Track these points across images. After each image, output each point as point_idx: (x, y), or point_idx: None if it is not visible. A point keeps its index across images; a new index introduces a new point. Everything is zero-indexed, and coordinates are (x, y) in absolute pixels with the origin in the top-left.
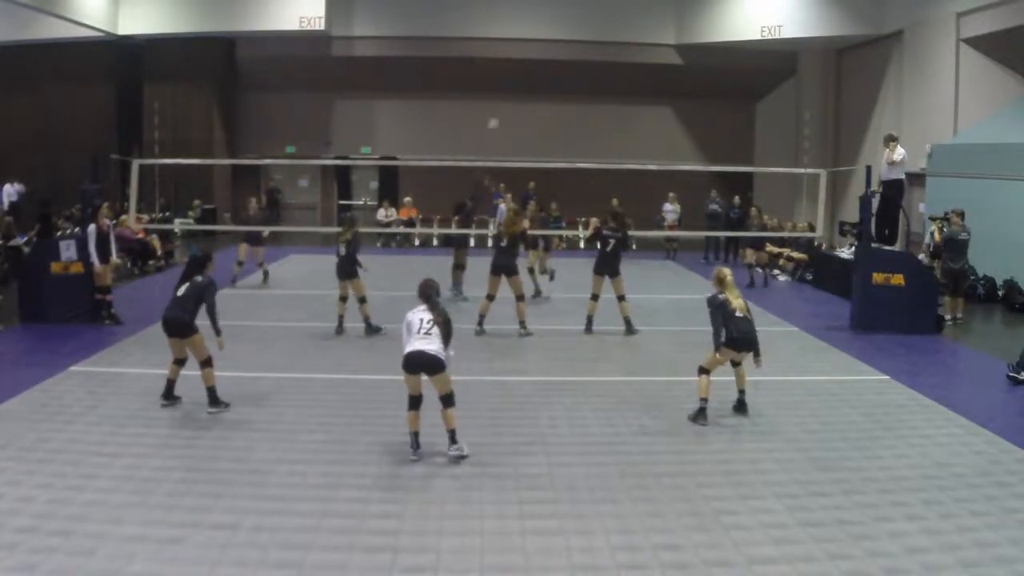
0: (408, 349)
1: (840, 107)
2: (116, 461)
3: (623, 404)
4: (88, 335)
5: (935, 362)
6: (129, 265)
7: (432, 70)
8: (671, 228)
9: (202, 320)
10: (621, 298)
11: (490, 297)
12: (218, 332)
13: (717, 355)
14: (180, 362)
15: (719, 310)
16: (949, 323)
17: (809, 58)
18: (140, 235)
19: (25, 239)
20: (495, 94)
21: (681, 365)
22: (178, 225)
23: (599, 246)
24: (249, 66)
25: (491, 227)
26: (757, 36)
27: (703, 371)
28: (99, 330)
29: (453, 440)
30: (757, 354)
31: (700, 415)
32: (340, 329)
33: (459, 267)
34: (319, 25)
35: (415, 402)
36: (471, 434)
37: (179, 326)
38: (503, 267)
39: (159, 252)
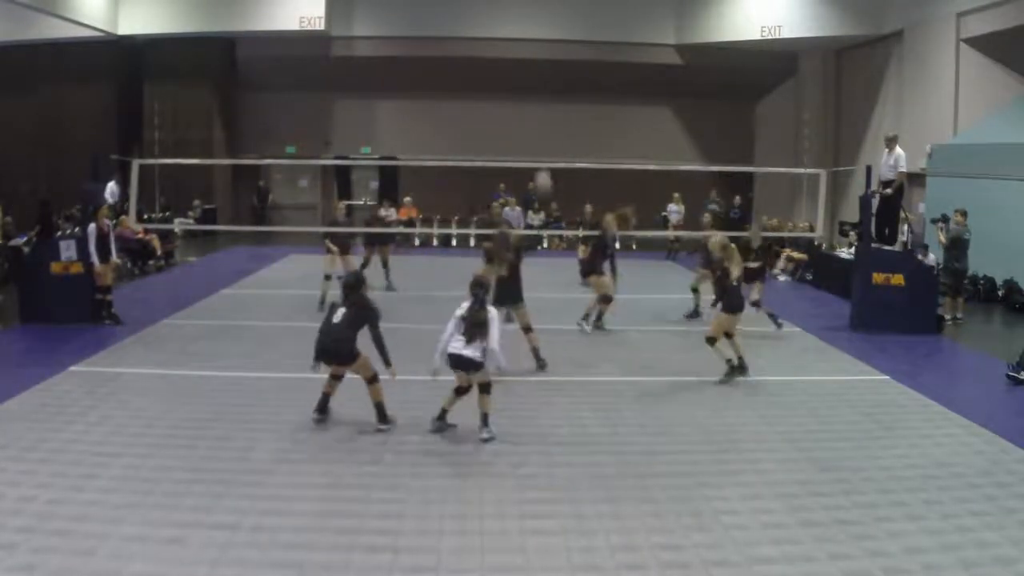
0: (450, 349)
1: (840, 107)
2: (116, 461)
3: (623, 404)
4: (88, 335)
5: (935, 362)
6: (129, 265)
7: (432, 70)
8: (676, 228)
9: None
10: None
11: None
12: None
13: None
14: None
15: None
16: (949, 323)
17: (809, 58)
18: (140, 235)
19: (25, 239)
20: (495, 94)
21: (681, 365)
22: (178, 225)
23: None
24: (249, 66)
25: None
26: (757, 36)
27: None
28: (99, 330)
29: (485, 423)
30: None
31: (733, 372)
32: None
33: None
34: (319, 25)
35: (461, 391)
36: (471, 434)
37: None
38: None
39: (159, 252)
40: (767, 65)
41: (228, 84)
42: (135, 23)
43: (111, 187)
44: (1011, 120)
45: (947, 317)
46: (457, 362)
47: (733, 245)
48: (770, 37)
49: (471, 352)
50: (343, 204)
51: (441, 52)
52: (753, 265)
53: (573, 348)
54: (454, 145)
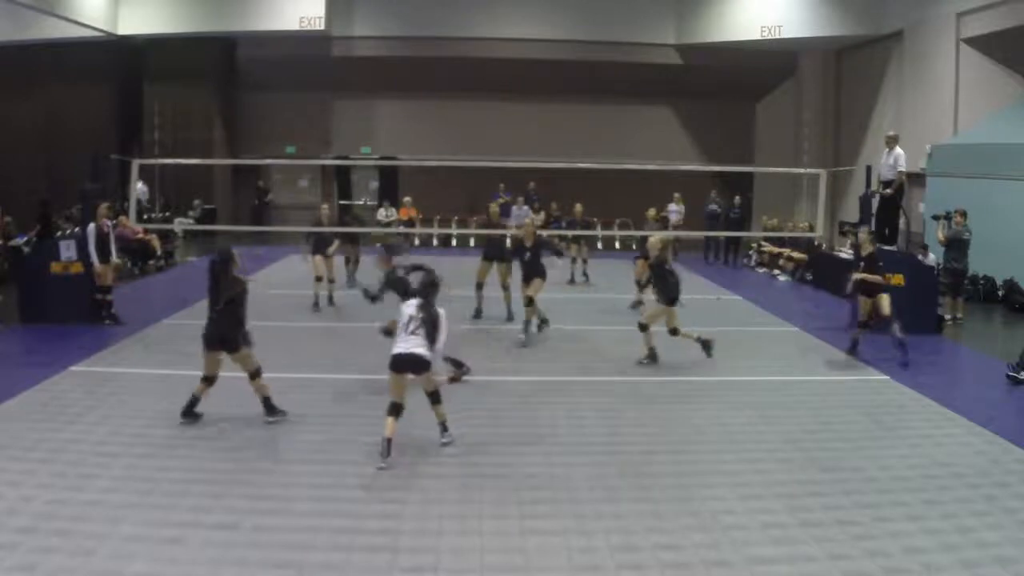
0: (395, 350)
1: (840, 107)
2: (116, 461)
3: (623, 403)
4: (88, 335)
5: (935, 362)
6: (129, 265)
7: (432, 70)
8: (676, 228)
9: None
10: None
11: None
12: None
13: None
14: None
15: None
16: (949, 323)
17: (809, 58)
18: (140, 235)
19: (25, 239)
20: (495, 94)
21: (681, 365)
22: (178, 225)
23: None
24: (249, 66)
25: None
26: (757, 36)
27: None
28: (99, 330)
29: (444, 429)
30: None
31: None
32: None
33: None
34: (319, 25)
35: (395, 408)
36: (471, 434)
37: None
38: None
39: (159, 252)
40: (767, 65)
41: (228, 84)
42: (135, 23)
43: (140, 187)
44: (1011, 120)
45: (947, 317)
46: (404, 362)
47: (670, 241)
48: (770, 37)
49: (422, 350)
50: (326, 207)
51: (441, 52)
52: (872, 278)
53: (573, 348)
54: (454, 145)
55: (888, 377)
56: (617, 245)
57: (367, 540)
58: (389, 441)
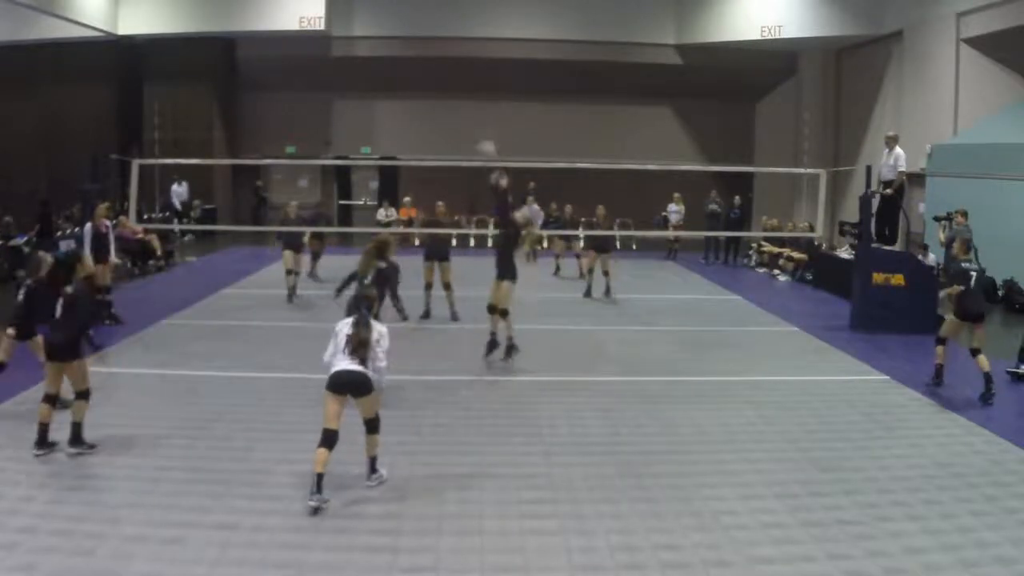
0: (334, 368)
1: (840, 107)
2: (116, 461)
3: (623, 404)
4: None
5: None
6: (129, 265)
7: (432, 70)
8: (676, 228)
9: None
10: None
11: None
12: None
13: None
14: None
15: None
16: None
17: (809, 58)
18: (140, 235)
19: (25, 239)
20: (495, 94)
21: (681, 365)
22: (177, 225)
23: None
24: (249, 66)
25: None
26: (757, 36)
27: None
28: (99, 330)
29: (373, 469)
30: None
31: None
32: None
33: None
34: (319, 25)
35: (329, 438)
36: (471, 434)
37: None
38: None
39: (159, 252)
40: (767, 65)
41: (228, 84)
42: (135, 23)
43: (176, 189)
44: (1011, 120)
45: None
46: (345, 381)
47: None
48: (770, 37)
49: (362, 368)
50: (294, 204)
51: (441, 52)
52: (965, 298)
53: (573, 348)
54: (454, 145)
55: (888, 377)
56: (617, 245)
57: (367, 540)
58: (321, 477)
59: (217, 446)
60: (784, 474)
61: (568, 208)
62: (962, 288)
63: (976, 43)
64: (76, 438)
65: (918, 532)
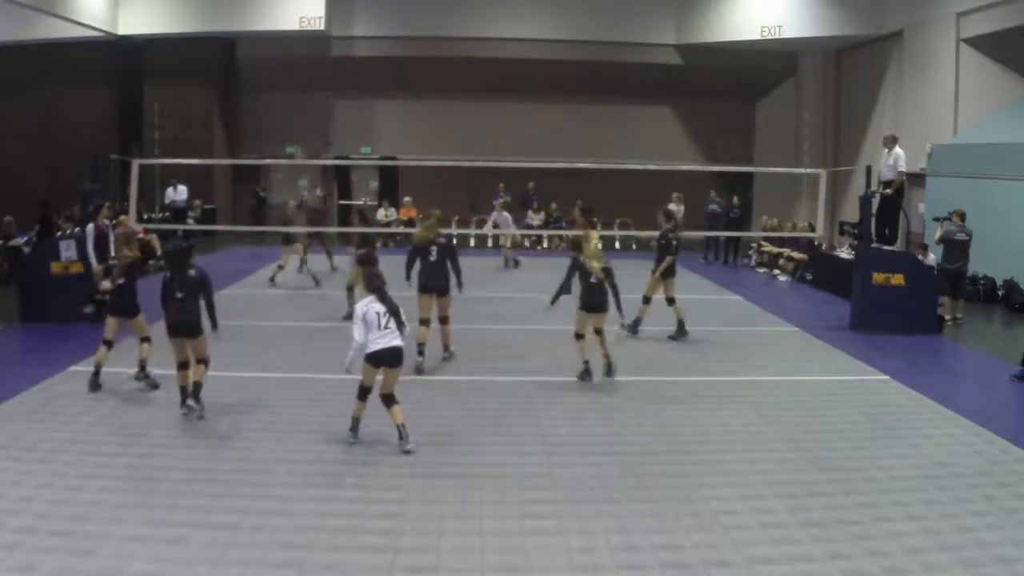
0: (378, 346)
1: (840, 107)
2: (116, 461)
3: (623, 404)
4: (88, 335)
5: (935, 362)
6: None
7: (432, 70)
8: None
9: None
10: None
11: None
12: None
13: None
14: (184, 365)
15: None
16: (949, 323)
17: (809, 58)
18: (140, 235)
19: (25, 239)
20: (495, 94)
21: (681, 365)
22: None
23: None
24: (249, 66)
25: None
26: (757, 36)
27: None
28: (100, 330)
29: (403, 434)
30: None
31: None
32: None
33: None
34: (319, 25)
35: (364, 394)
36: (471, 434)
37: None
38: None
39: (159, 252)
40: (767, 65)
41: (228, 84)
42: (135, 23)
43: (171, 192)
44: (1011, 120)
45: (947, 317)
46: (394, 356)
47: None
48: (770, 37)
49: (401, 342)
50: (292, 203)
51: (441, 52)
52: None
53: (573, 348)
54: (454, 145)
55: (888, 377)
56: (617, 245)
57: (367, 540)
58: (358, 421)
59: (217, 446)
60: (784, 474)
61: (576, 210)
62: None
63: (976, 43)
64: (196, 394)
65: (918, 532)
